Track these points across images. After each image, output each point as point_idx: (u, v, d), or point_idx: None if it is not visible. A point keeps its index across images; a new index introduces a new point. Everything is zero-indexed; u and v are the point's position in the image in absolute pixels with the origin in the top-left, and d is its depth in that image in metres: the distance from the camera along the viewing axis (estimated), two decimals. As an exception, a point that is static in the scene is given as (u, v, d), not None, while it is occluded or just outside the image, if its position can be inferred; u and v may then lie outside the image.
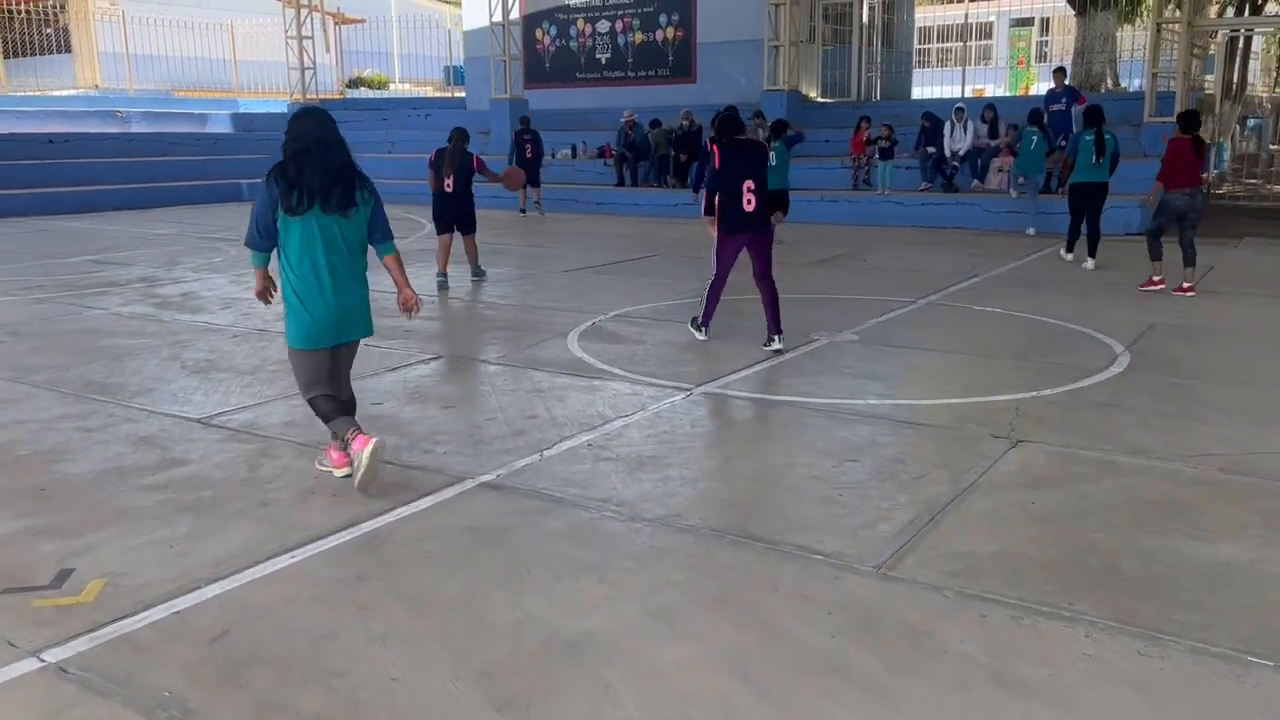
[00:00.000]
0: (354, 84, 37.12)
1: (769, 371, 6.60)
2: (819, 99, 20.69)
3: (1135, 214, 14.01)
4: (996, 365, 6.76)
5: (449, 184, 10.04)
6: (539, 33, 23.52)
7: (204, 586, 3.56)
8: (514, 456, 4.93)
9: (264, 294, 4.72)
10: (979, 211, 15.10)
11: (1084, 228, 11.03)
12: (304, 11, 24.82)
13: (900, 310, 8.65)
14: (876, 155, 16.44)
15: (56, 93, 27.97)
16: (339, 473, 4.60)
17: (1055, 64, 21.01)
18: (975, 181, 15.97)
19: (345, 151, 4.43)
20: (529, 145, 18.08)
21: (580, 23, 22.95)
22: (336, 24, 36.31)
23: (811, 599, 3.46)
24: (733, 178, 6.98)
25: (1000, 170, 15.78)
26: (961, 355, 7.05)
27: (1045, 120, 14.28)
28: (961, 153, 15.80)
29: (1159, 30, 15.92)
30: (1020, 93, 30.93)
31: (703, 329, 7.52)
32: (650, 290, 9.75)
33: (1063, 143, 14.84)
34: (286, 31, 24.81)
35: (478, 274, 10.53)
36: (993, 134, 15.91)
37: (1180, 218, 9.27)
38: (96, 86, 29.32)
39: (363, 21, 35.39)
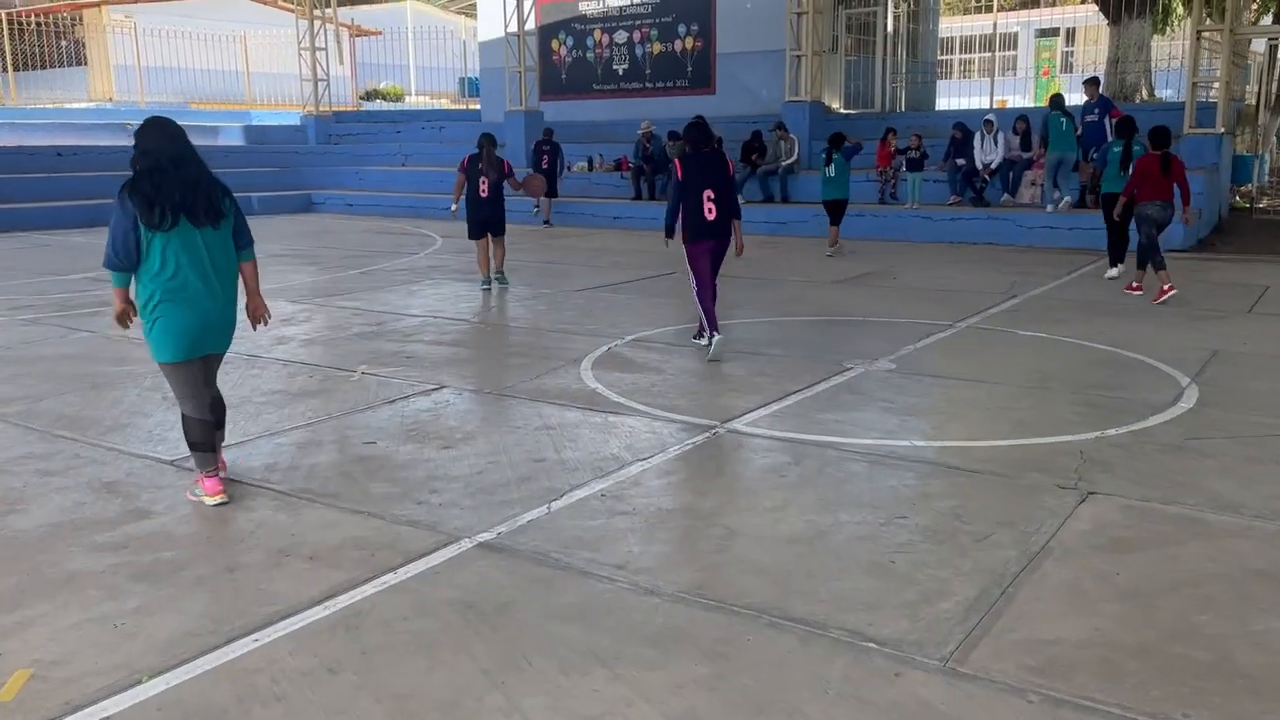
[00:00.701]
0: (369, 96, 36.87)
1: (800, 406, 6.02)
2: (842, 110, 20.11)
3: (1178, 230, 13.34)
4: (1051, 400, 6.15)
5: (484, 189, 10.33)
6: (555, 43, 23.07)
7: (145, 681, 3.01)
8: (518, 509, 4.37)
9: (123, 317, 4.44)
10: (1011, 227, 14.47)
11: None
12: (318, 23, 24.46)
13: (938, 335, 8.05)
14: (904, 167, 15.84)
15: (72, 105, 27.75)
16: (211, 500, 4.43)
17: (1086, 75, 20.33)
18: (1006, 195, 15.34)
19: (200, 164, 4.41)
20: (546, 156, 17.69)
21: (597, 33, 22.48)
22: (352, 36, 36.12)
23: (868, 703, 2.87)
24: (694, 187, 7.16)
25: (1033, 184, 15.15)
26: (1011, 388, 6.44)
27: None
28: (993, 165, 15.18)
29: (1199, 38, 15.27)
30: (1045, 104, 30.27)
31: (713, 334, 7.28)
32: (668, 311, 9.19)
33: (1094, 155, 14.29)
34: (300, 43, 24.44)
35: (500, 278, 10.69)
36: (1025, 146, 15.28)
37: (1160, 227, 9.76)
38: (110, 99, 29.10)
39: (379, 34, 35.16)
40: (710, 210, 7.19)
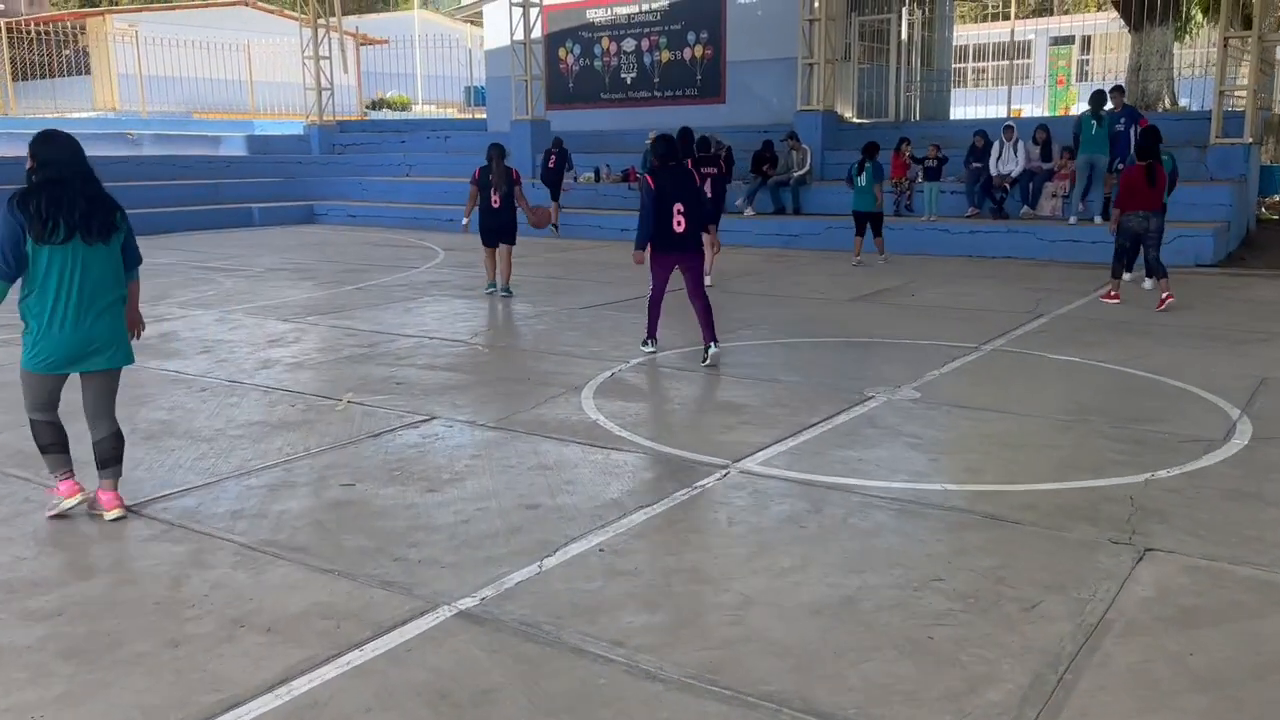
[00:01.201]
0: (376, 105, 36.56)
1: (818, 442, 5.54)
2: (855, 120, 19.65)
3: (1208, 243, 12.86)
4: (1092, 435, 5.66)
5: (496, 200, 10.44)
6: (562, 52, 22.68)
7: (53, 797, 2.55)
8: (506, 567, 3.90)
9: None
10: (1032, 240, 13.97)
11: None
12: (321, 31, 24.11)
13: (963, 359, 7.57)
14: (920, 177, 15.36)
15: (76, 115, 27.46)
16: (68, 502, 4.42)
17: (1100, 83, 19.80)
18: (1026, 207, 14.84)
19: (98, 180, 4.39)
20: (553, 156, 17.40)
21: (605, 41, 22.08)
22: (358, 45, 35.82)
23: (912, 834, 2.39)
24: (664, 200, 7.30)
25: (1054, 195, 14.66)
26: (1047, 421, 5.95)
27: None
28: (1014, 175, 14.68)
29: (1226, 45, 14.77)
30: (1061, 113, 29.80)
31: (649, 342, 7.84)
32: (677, 332, 8.71)
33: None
34: (304, 52, 24.10)
35: (506, 291, 10.71)
36: (1045, 156, 14.79)
37: (1137, 238, 9.86)
38: (114, 109, 28.82)
39: (385, 42, 34.82)
40: (679, 223, 7.33)
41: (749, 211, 16.81)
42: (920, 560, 3.96)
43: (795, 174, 16.68)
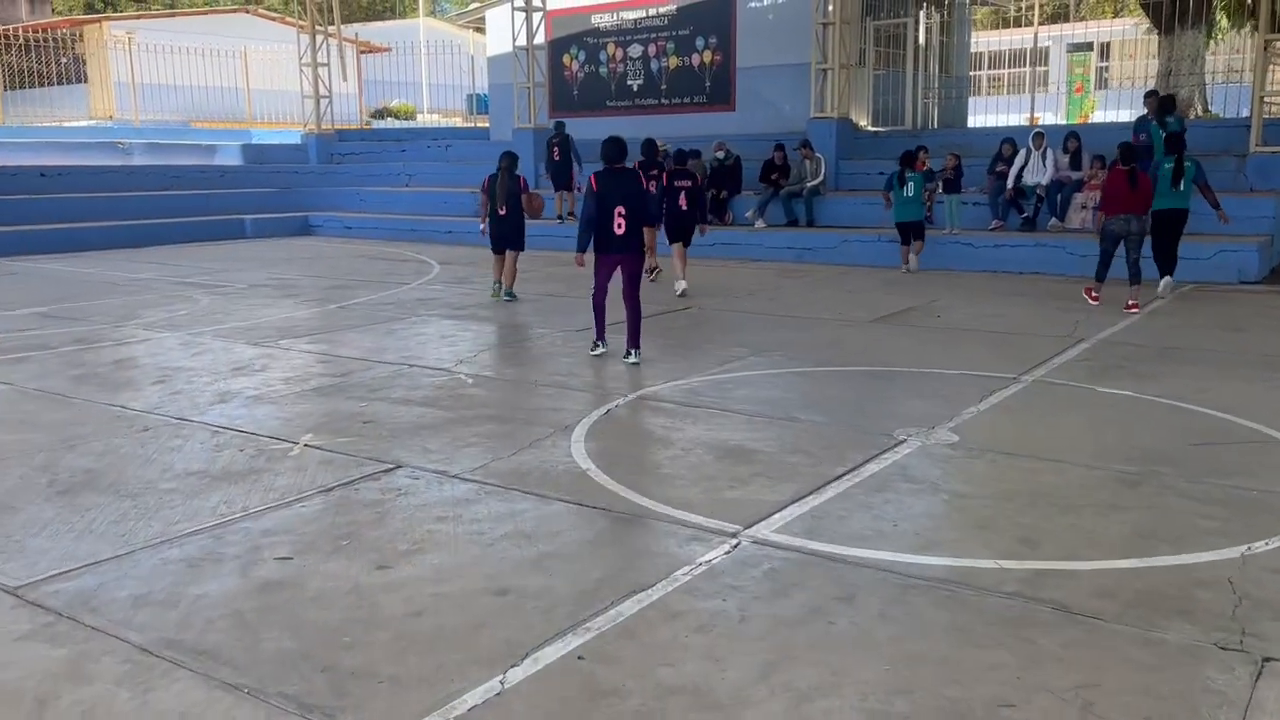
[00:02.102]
0: (380, 114, 35.91)
1: (844, 501, 4.72)
2: (870, 127, 18.85)
3: (1252, 258, 12.00)
4: (1165, 493, 4.83)
5: (502, 209, 10.83)
6: (567, 58, 21.95)
7: None
8: (458, 682, 3.10)
9: None
10: (1061, 255, 13.11)
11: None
12: (320, 38, 23.44)
13: (1002, 392, 6.74)
14: (940, 189, 14.55)
15: (73, 124, 26.84)
16: None
17: (1134, 90, 18.93)
18: (1054, 220, 14.00)
19: None
20: (556, 148, 16.87)
21: (611, 47, 21.34)
22: (360, 53, 35.19)
23: None
24: (606, 203, 7.52)
25: (1084, 207, 13.80)
26: (1108, 473, 5.12)
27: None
28: (1045, 183, 13.84)
29: (1266, 49, 13.93)
30: (1079, 120, 28.98)
31: (598, 344, 7.94)
32: (684, 358, 7.92)
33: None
34: (301, 59, 23.43)
35: (509, 295, 11.03)
36: (1075, 165, 13.95)
37: (1118, 241, 10.07)
38: (111, 117, 28.20)
39: (388, 50, 34.16)
40: (619, 226, 7.51)
41: (760, 224, 16.02)
42: (982, 675, 3.14)
43: (808, 184, 15.88)
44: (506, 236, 10.98)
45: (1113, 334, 8.80)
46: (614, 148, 7.65)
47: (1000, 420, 6.11)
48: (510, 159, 10.97)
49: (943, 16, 20.09)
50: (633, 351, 7.68)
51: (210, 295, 11.68)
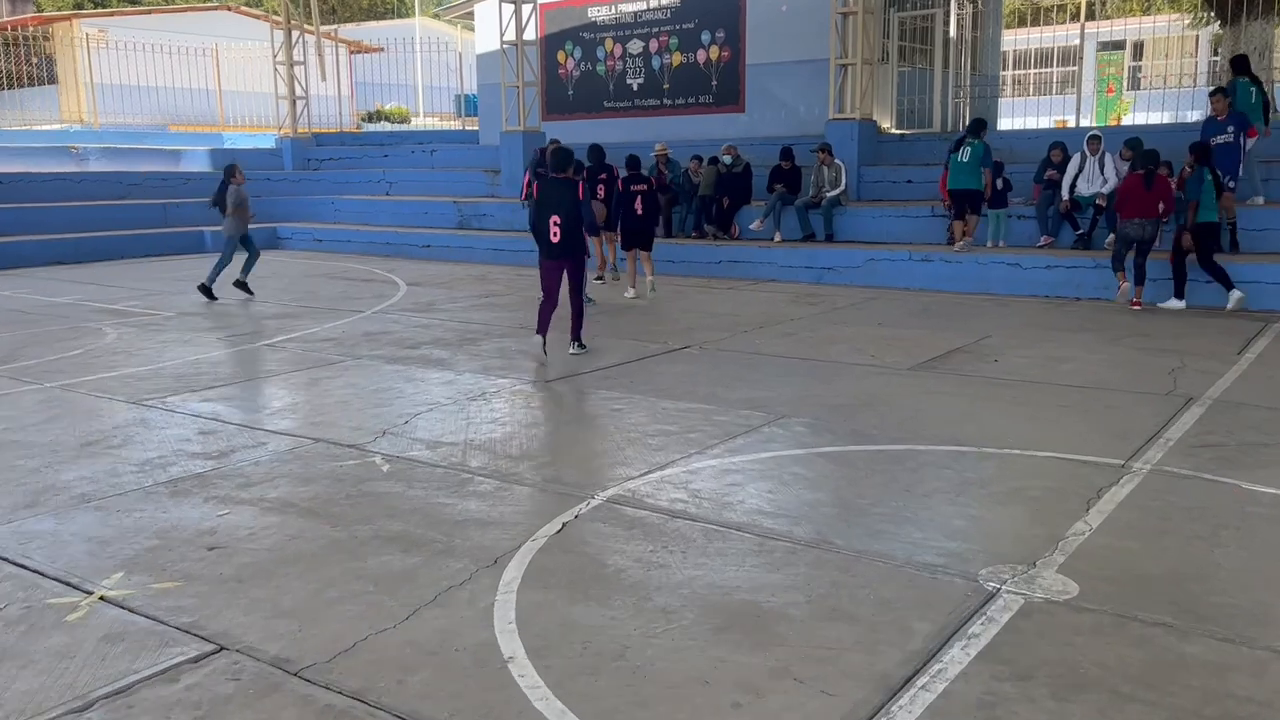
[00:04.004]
0: (372, 117, 34.19)
1: (925, 736, 2.85)
2: (895, 130, 16.97)
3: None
4: None
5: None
6: (561, 55, 20.13)
7: None
8: None
9: None
10: (1126, 277, 11.22)
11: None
12: (295, 34, 21.66)
13: (1113, 491, 4.86)
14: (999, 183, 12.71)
15: (44, 127, 25.12)
16: None
17: (1154, 91, 16.91)
18: (1112, 236, 12.09)
19: None
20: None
21: (609, 43, 19.51)
22: (352, 52, 33.47)
23: None
24: (543, 211, 7.93)
25: (1182, 227, 11.88)
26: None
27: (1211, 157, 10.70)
28: (1105, 192, 11.90)
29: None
30: (1112, 123, 27.06)
31: (541, 337, 8.06)
32: (677, 427, 6.05)
33: (1232, 184, 11.19)
34: (275, 57, 21.66)
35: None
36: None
37: (1131, 244, 10.25)
38: (81, 121, 26.50)
39: (380, 50, 32.41)
40: (555, 233, 7.84)
41: (777, 237, 14.15)
42: None
43: (827, 194, 14.00)
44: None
45: (1227, 389, 6.89)
46: (557, 158, 8.10)
47: (1127, 547, 4.22)
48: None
49: (976, 6, 18.18)
50: (574, 344, 8.17)
51: (123, 328, 9.85)
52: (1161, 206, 10.09)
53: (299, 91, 21.85)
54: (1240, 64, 12.17)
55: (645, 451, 5.59)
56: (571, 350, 8.15)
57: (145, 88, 26.42)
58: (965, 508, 4.71)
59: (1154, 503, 4.74)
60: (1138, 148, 10.89)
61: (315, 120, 23.50)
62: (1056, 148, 12.50)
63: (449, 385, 7.32)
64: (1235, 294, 10.12)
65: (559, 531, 4.42)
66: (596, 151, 11.53)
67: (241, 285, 11.98)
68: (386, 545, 4.30)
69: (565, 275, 8.07)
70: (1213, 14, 17.19)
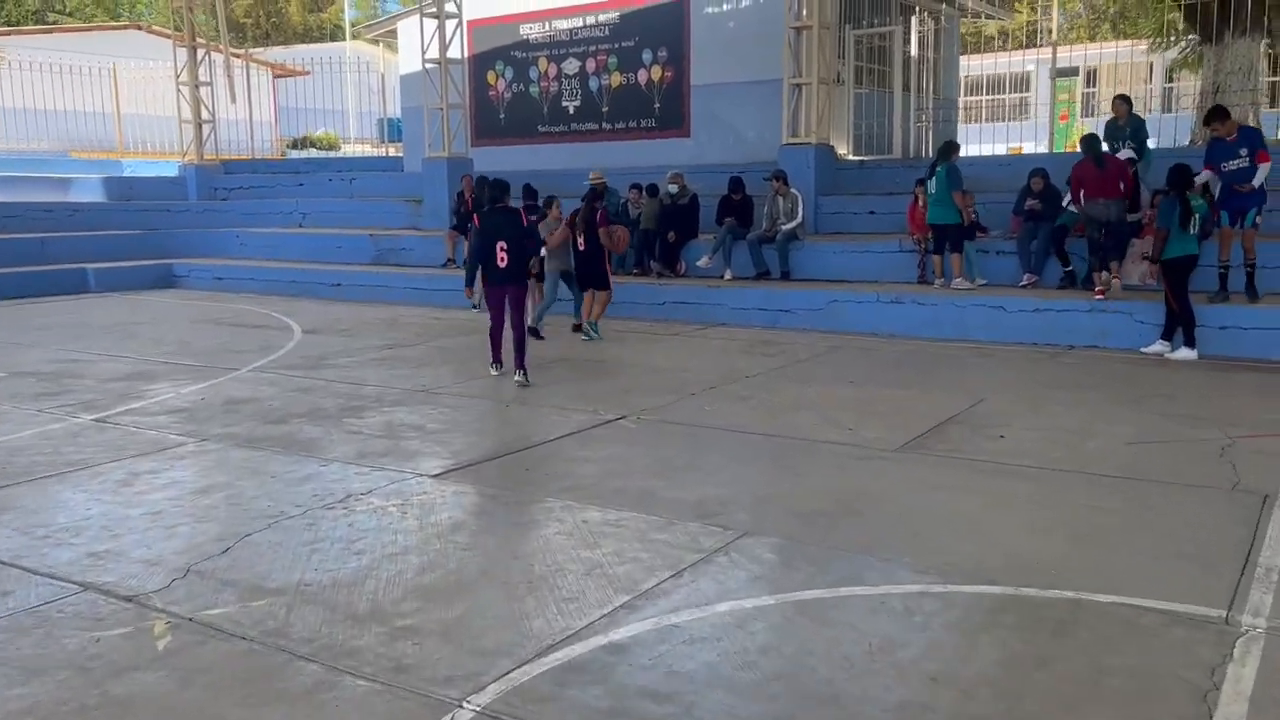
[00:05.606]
0: (299, 144, 32.28)
1: None
2: (852, 157, 15.60)
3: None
4: None
5: (581, 243, 10.28)
6: (491, 76, 18.55)
7: None
8: None
9: None
10: (1124, 321, 9.82)
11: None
12: (201, 53, 19.83)
13: (1231, 668, 3.30)
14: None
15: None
16: None
17: (1208, 104, 15.27)
18: (1105, 273, 10.73)
19: None
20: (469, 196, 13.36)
21: (543, 63, 17.98)
22: (277, 76, 31.64)
23: None
24: (489, 239, 8.23)
25: (1145, 257, 10.55)
26: None
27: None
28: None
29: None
30: (1067, 149, 26.16)
31: (494, 365, 8.55)
32: (607, 547, 4.39)
33: (1258, 218, 9.84)
34: (178, 77, 19.79)
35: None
36: (1132, 205, 10.70)
37: (1101, 226, 9.96)
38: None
39: (306, 73, 30.55)
40: (502, 259, 8.16)
41: (727, 274, 12.63)
42: None
43: (783, 226, 12.52)
44: (587, 276, 10.47)
45: (1302, 479, 5.42)
46: (496, 189, 8.48)
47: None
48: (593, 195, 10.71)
49: (938, 23, 16.94)
50: (520, 373, 8.20)
51: (-73, 395, 7.98)
52: (1122, 186, 9.96)
53: (205, 115, 20.00)
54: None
55: (552, 604, 3.92)
56: (516, 378, 8.18)
57: (45, 111, 24.33)
58: (1026, 711, 3.11)
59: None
60: (1083, 142, 10.69)
61: (226, 146, 21.65)
62: (1038, 175, 11.15)
63: (306, 483, 5.59)
64: (1185, 353, 8.98)
65: (394, 788, 2.74)
66: (500, 183, 10.02)
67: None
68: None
69: (507, 300, 8.22)
70: (1195, 34, 16.03)
